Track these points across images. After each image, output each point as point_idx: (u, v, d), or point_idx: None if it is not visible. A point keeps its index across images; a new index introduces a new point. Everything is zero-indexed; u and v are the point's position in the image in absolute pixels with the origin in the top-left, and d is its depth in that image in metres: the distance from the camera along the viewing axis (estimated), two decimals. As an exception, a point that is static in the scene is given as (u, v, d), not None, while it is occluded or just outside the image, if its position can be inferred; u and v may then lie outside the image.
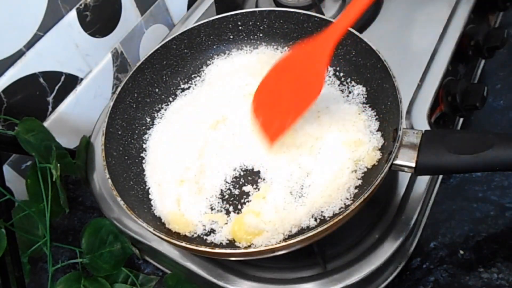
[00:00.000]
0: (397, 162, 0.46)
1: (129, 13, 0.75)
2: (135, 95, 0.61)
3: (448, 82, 0.62)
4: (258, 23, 0.63)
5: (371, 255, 0.51)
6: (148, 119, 0.61)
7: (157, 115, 0.62)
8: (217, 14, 0.73)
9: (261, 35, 0.64)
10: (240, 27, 0.64)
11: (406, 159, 0.46)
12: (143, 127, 0.61)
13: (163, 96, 0.63)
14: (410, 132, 0.48)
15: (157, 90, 0.63)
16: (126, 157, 0.57)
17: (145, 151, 0.59)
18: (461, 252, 0.57)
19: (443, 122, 0.62)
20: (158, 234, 0.46)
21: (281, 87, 0.53)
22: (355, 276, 0.50)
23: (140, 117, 0.61)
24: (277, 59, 0.54)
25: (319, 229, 0.43)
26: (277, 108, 0.53)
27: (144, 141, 0.60)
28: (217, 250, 0.45)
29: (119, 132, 0.58)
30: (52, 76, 0.66)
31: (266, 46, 0.64)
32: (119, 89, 0.58)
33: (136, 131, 0.60)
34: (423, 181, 0.55)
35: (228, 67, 0.64)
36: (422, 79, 0.61)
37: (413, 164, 0.46)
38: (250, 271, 0.53)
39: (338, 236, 0.52)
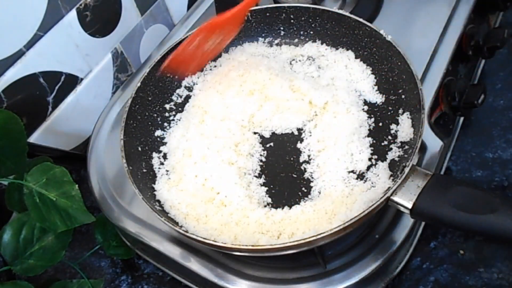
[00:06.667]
0: (395, 198, 0.45)
1: (129, 13, 0.75)
2: None
3: (448, 82, 0.62)
4: (310, 20, 0.64)
5: (371, 255, 0.51)
6: (184, 92, 0.63)
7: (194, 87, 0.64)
8: (217, 14, 0.73)
9: (311, 32, 0.65)
10: (292, 21, 0.64)
11: (405, 198, 0.45)
12: (177, 97, 0.63)
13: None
14: (419, 171, 0.46)
15: None
16: (149, 123, 0.60)
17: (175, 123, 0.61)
18: (461, 252, 0.57)
19: (443, 122, 0.62)
20: (158, 215, 0.47)
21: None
22: (355, 276, 0.50)
23: (175, 87, 0.63)
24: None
25: (330, 232, 0.43)
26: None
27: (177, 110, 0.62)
28: (221, 244, 0.45)
29: (149, 98, 0.60)
30: (52, 76, 0.66)
31: (312, 43, 0.65)
32: (158, 56, 0.60)
33: (167, 100, 0.62)
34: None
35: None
36: (422, 79, 0.61)
37: (410, 206, 0.45)
38: (250, 271, 0.53)
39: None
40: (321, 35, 0.64)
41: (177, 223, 0.51)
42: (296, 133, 0.58)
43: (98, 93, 0.75)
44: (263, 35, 0.66)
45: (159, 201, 0.54)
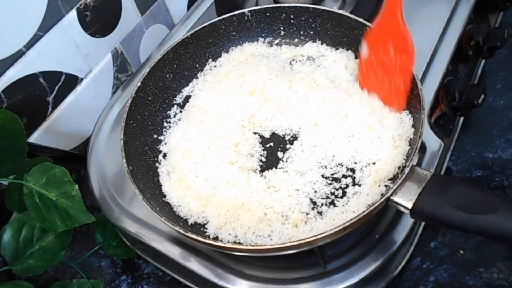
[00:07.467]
0: (395, 198, 0.45)
1: (129, 13, 0.75)
2: (175, 66, 0.62)
3: (448, 82, 0.62)
4: (311, 20, 0.63)
5: (371, 255, 0.51)
6: (184, 92, 0.63)
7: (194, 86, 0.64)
8: (217, 14, 0.73)
9: (311, 32, 0.64)
10: (292, 21, 0.64)
11: (405, 198, 0.45)
12: (177, 97, 0.63)
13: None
14: (419, 171, 0.46)
15: (197, 65, 0.65)
16: (149, 123, 0.59)
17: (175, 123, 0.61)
18: (461, 252, 0.57)
19: (443, 122, 0.62)
20: (157, 214, 0.47)
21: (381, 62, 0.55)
22: (355, 276, 0.50)
23: (175, 88, 0.63)
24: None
25: (330, 232, 0.43)
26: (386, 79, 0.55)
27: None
28: (221, 244, 0.46)
29: (149, 98, 0.60)
30: (52, 76, 0.66)
31: (312, 43, 0.65)
32: (158, 56, 0.60)
33: (167, 100, 0.62)
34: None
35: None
36: (422, 79, 0.61)
37: (410, 206, 0.44)
38: (250, 271, 0.53)
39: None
40: (321, 35, 0.64)
41: (183, 221, 0.51)
42: (296, 133, 0.58)
43: (98, 93, 0.75)
44: (263, 35, 0.66)
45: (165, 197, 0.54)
